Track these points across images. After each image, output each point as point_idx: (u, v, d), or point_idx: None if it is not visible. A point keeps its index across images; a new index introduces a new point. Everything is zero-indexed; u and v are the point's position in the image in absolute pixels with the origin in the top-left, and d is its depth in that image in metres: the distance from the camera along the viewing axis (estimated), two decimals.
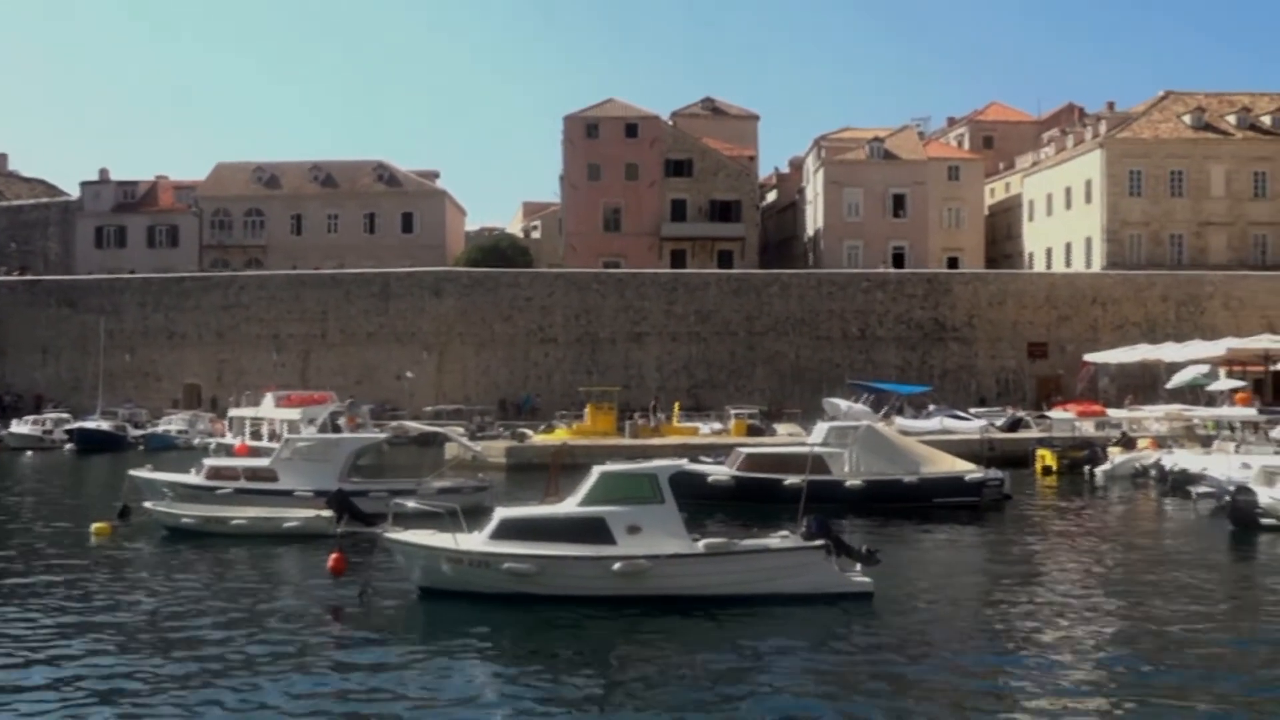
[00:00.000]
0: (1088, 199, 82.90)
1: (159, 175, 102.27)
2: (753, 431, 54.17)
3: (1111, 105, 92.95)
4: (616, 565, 20.40)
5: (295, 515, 29.93)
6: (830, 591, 20.76)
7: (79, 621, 20.01)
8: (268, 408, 49.53)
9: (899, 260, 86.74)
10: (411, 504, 23.88)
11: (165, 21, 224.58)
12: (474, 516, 23.33)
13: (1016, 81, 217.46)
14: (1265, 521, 29.98)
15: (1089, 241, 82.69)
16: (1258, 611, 20.97)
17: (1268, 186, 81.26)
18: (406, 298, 75.75)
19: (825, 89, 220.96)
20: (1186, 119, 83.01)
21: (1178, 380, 55.77)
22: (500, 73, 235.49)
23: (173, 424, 65.56)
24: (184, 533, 29.73)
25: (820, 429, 39.23)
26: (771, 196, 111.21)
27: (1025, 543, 29.50)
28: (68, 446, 61.62)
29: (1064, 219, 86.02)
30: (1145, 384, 65.14)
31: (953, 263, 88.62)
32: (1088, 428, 53.32)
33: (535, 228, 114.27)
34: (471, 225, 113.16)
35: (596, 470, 21.75)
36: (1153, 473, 42.44)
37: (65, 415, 68.06)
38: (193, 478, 34.65)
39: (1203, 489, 35.13)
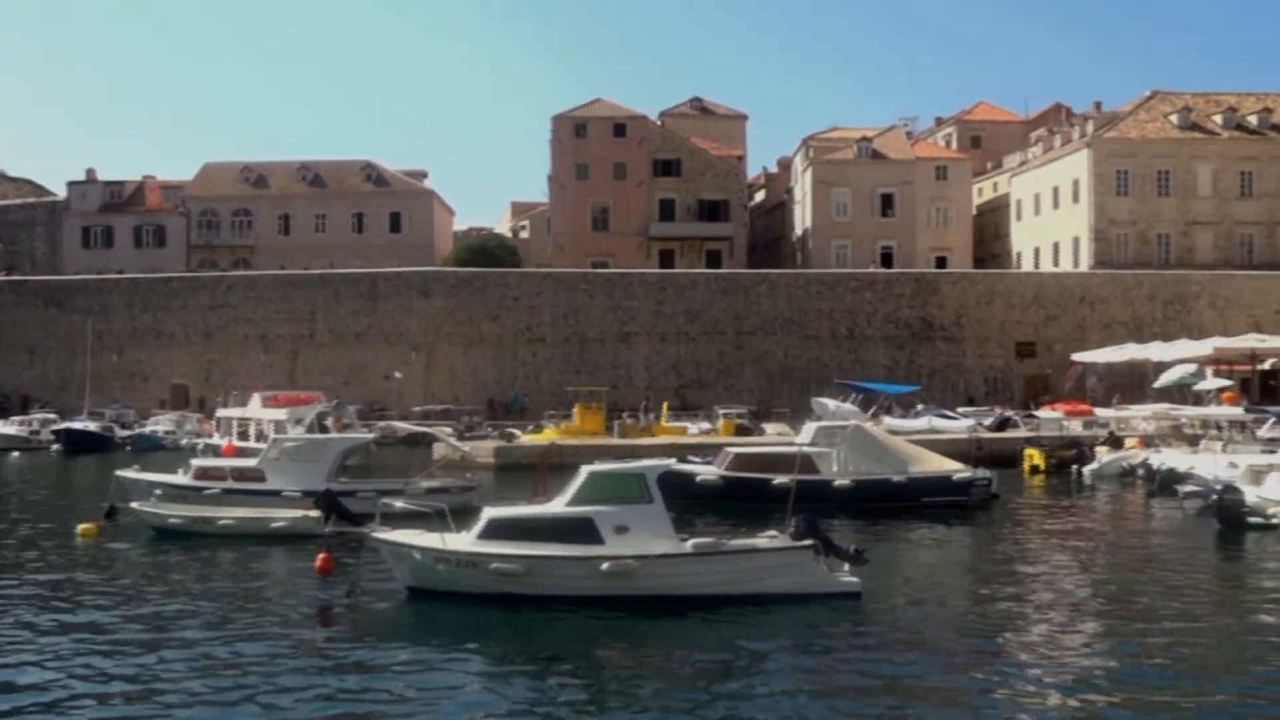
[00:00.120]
0: (1075, 198, 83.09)
1: (146, 175, 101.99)
2: (741, 431, 54.20)
3: (1099, 105, 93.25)
4: (604, 565, 20.38)
5: (283, 515, 29.86)
6: (818, 591, 20.76)
7: (64, 623, 19.93)
8: (255, 408, 49.47)
9: (887, 260, 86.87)
10: (399, 504, 23.85)
11: (153, 21, 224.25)
12: (462, 517, 23.29)
13: (1004, 81, 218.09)
14: (1252, 520, 30.06)
15: (1076, 241, 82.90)
16: (1245, 610, 21.02)
17: (1254, 186, 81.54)
18: (394, 298, 75.67)
19: (813, 89, 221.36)
20: (1173, 119, 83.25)
21: (1165, 379, 55.93)
22: (488, 72, 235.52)
23: (160, 424, 65.40)
24: (171, 533, 29.63)
25: (808, 429, 39.27)
26: (760, 196, 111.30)
27: (1013, 542, 29.54)
28: (55, 447, 61.43)
29: (1051, 219, 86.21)
30: (1133, 383, 65.31)
31: (941, 262, 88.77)
32: (1075, 427, 53.45)
33: (523, 227, 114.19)
34: (460, 225, 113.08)
35: (584, 470, 21.72)
36: (1140, 472, 42.54)
37: (52, 416, 67.87)
38: (180, 478, 34.55)
39: (1190, 488, 35.22)
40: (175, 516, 30.26)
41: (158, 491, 33.43)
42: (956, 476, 36.02)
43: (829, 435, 37.24)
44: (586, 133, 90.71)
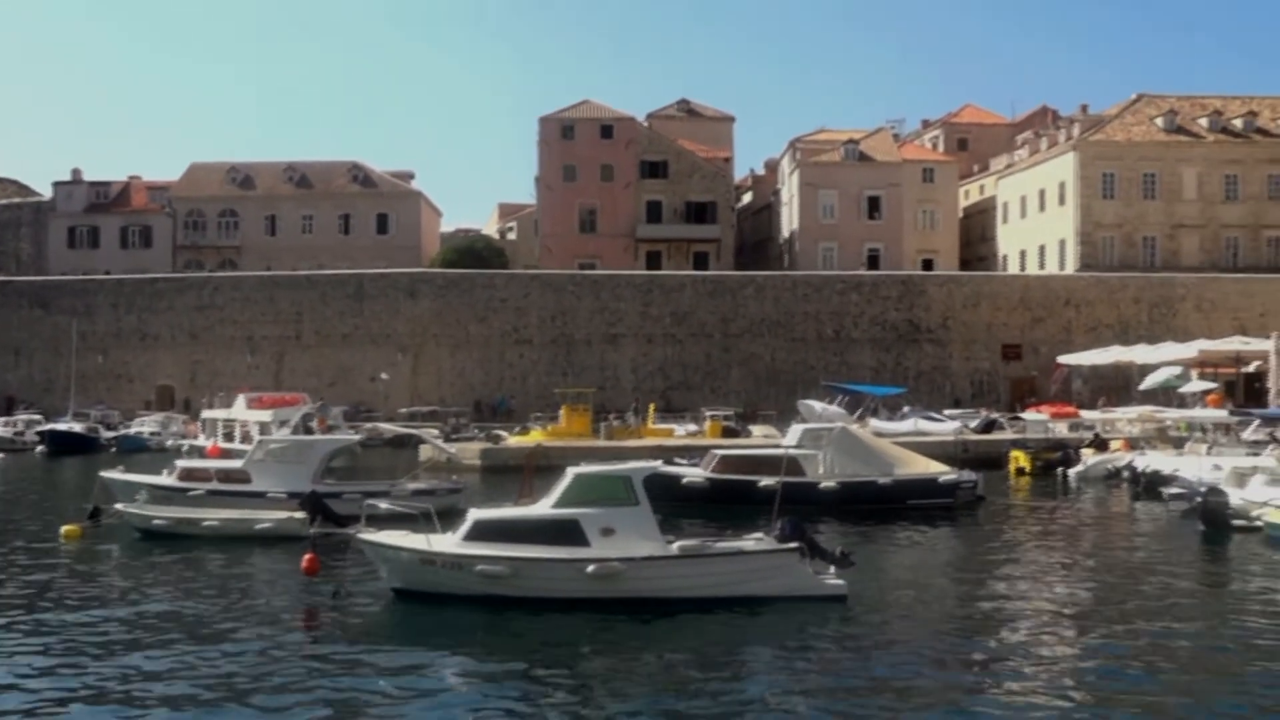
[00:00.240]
0: (1061, 201, 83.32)
1: (132, 175, 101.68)
2: (728, 433, 54.20)
3: (1085, 108, 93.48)
4: (590, 568, 20.35)
5: (268, 517, 29.76)
6: (804, 594, 20.74)
7: (46, 625, 19.84)
8: (239, 409, 49.33)
9: (874, 262, 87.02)
10: (385, 505, 23.80)
11: (139, 21, 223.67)
12: (448, 518, 23.26)
13: (991, 84, 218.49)
14: (1236, 523, 30.16)
15: (1062, 244, 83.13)
16: (1229, 612, 21.07)
17: (1239, 189, 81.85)
18: (381, 299, 75.56)
19: (801, 91, 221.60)
20: (1159, 122, 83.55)
21: (1150, 382, 56.10)
22: (476, 74, 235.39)
23: (145, 426, 65.20)
24: (156, 535, 29.52)
25: (795, 431, 39.28)
26: (747, 198, 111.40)
27: (998, 544, 29.58)
28: (39, 448, 61.20)
29: (1038, 221, 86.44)
30: (1118, 385, 65.50)
31: (927, 264, 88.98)
32: (1061, 429, 53.58)
33: (511, 229, 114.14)
34: (447, 226, 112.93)
35: (571, 472, 21.70)
36: (1125, 474, 42.64)
37: (37, 417, 67.64)
38: (164, 479, 34.43)
39: (1174, 490, 35.34)
40: (159, 518, 30.14)
41: (141, 494, 33.28)
42: (942, 479, 36.05)
43: (815, 437, 37.26)
44: (574, 134, 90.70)
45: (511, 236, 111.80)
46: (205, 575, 24.71)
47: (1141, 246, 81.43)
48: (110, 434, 63.50)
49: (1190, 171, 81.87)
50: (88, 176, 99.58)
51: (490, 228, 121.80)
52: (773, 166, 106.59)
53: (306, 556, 23.41)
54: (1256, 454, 37.61)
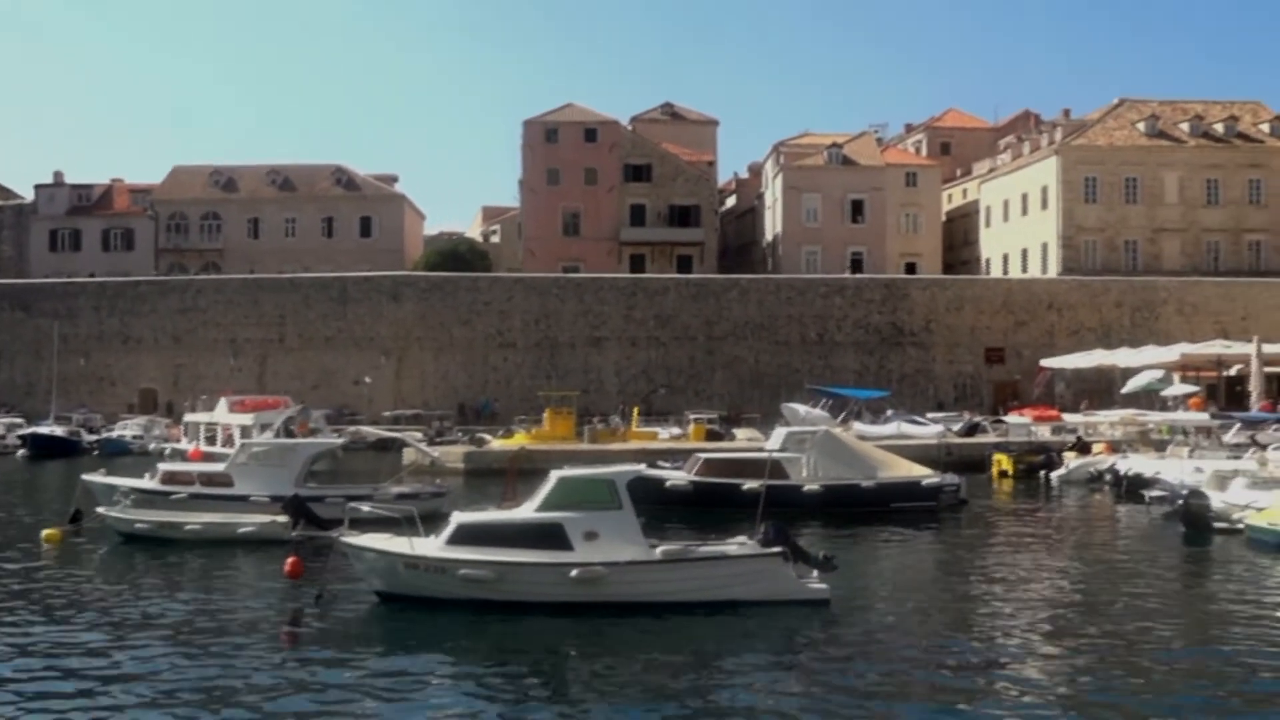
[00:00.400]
0: (1044, 205, 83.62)
1: (114, 178, 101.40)
2: (711, 436, 54.22)
3: (1067, 112, 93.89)
4: (573, 572, 20.34)
5: (250, 521, 29.66)
6: (787, 598, 20.74)
7: (25, 630, 19.72)
8: (221, 413, 49.16)
9: (857, 265, 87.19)
10: (368, 509, 23.75)
11: (121, 23, 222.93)
12: (432, 522, 23.22)
13: (973, 88, 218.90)
14: (1217, 525, 30.31)
15: (1045, 247, 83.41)
16: (1210, 614, 21.15)
17: (1220, 193, 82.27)
18: (365, 302, 75.41)
19: (784, 95, 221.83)
20: (1141, 126, 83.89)
21: (1132, 385, 56.29)
22: (459, 77, 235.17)
23: (128, 429, 64.95)
24: (137, 538, 29.40)
25: (778, 434, 39.32)
26: (731, 202, 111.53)
27: (981, 547, 29.67)
28: (21, 452, 60.89)
29: (1020, 225, 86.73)
30: (1100, 389, 65.71)
31: (910, 268, 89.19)
32: (1044, 432, 53.74)
33: (494, 232, 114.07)
34: (430, 229, 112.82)
35: (554, 475, 21.67)
36: (1107, 477, 42.78)
37: (19, 420, 67.28)
38: (147, 482, 34.30)
39: (1156, 493, 35.48)
40: (141, 522, 30.00)
41: (124, 497, 33.13)
42: (925, 482, 36.14)
43: (799, 441, 37.30)
44: (557, 138, 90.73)
45: (495, 240, 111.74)
46: (187, 579, 24.64)
47: (1123, 250, 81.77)
48: (92, 437, 63.27)
49: (1172, 176, 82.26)
50: (70, 179, 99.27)
51: (474, 231, 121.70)
52: (756, 170, 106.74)
53: (290, 560, 23.35)
54: (1238, 457, 37.81)
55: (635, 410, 63.20)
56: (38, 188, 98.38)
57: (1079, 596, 22.72)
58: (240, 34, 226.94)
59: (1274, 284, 76.17)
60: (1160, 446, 45.39)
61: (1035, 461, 47.35)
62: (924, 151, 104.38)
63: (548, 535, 20.75)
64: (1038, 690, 15.97)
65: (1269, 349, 52.84)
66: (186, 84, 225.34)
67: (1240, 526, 29.63)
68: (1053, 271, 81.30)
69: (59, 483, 44.72)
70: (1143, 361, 57.97)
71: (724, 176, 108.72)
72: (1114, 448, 47.55)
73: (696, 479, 36.11)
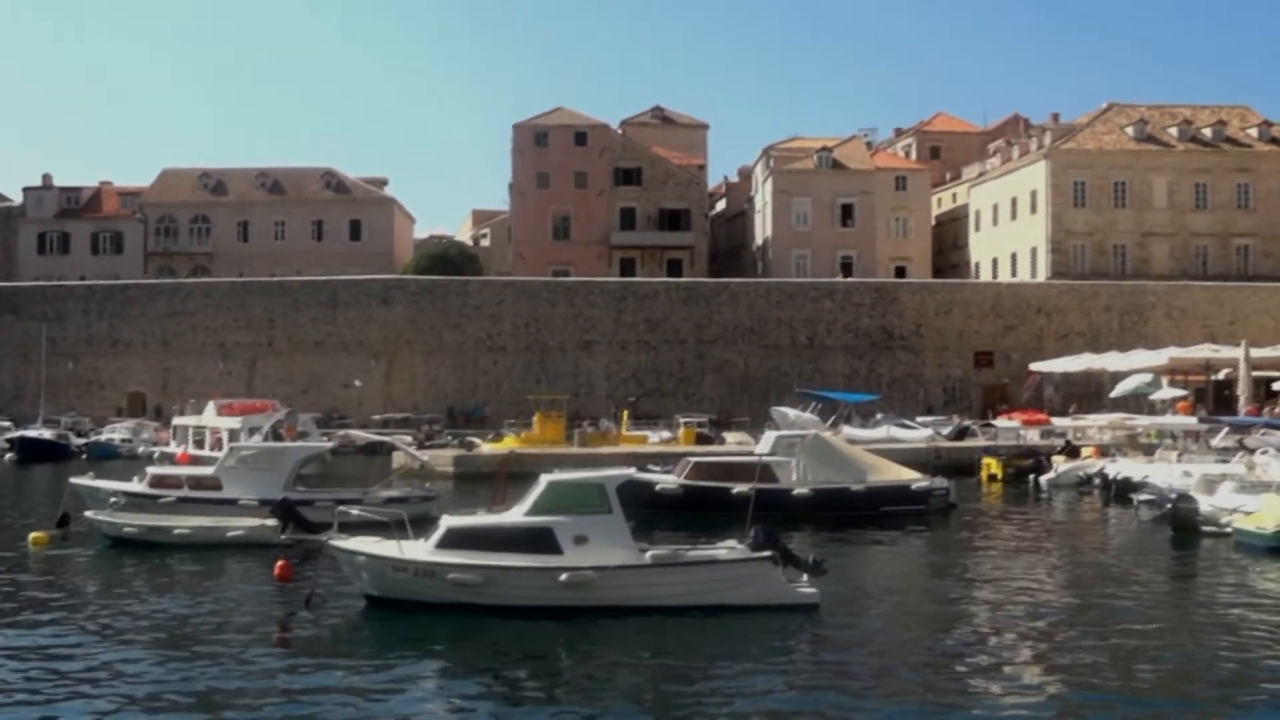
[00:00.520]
0: (1033, 209, 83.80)
1: (103, 181, 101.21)
2: (701, 440, 54.23)
3: (1056, 117, 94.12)
4: (563, 576, 20.32)
5: (239, 524, 29.60)
6: (777, 603, 20.73)
7: (9, 634, 19.64)
8: (210, 416, 49.08)
9: (847, 269, 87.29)
10: (357, 512, 23.72)
11: (109, 26, 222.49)
12: (421, 526, 23.20)
13: (963, 92, 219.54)
14: (1205, 529, 30.40)
15: (1034, 251, 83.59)
16: (1198, 618, 21.21)
17: (1208, 198, 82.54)
18: (354, 305, 75.32)
19: (774, 99, 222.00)
20: (1129, 131, 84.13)
21: (1121, 389, 56.32)
22: (449, 80, 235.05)
23: (117, 432, 64.76)
24: (126, 542, 29.31)
25: (768, 438, 39.29)
26: (721, 205, 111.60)
27: (970, 551, 29.71)
28: (9, 455, 60.62)
29: (1010, 229, 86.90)
30: (1089, 393, 65.84)
31: (900, 272, 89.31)
32: (1033, 436, 53.81)
33: (484, 236, 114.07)
34: (420, 233, 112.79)
35: (544, 479, 21.65)
36: (1096, 481, 42.85)
37: (7, 424, 67.05)
38: (135, 486, 34.21)
39: (1145, 497, 35.53)
40: (130, 526, 29.90)
41: (114, 499, 33.06)
42: (915, 485, 36.23)
43: (788, 444, 37.28)
44: (547, 141, 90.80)
45: (485, 243, 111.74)
46: (176, 583, 24.56)
47: (1112, 254, 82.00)
48: (81, 441, 63.04)
49: (1160, 180, 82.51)
50: (58, 182, 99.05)
51: (464, 234, 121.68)
52: (746, 174, 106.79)
53: (279, 563, 23.36)
54: (1226, 461, 37.90)
55: (625, 414, 63.22)
56: (26, 190, 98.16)
57: (1067, 600, 22.76)
58: (230, 37, 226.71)
59: (1262, 288, 76.43)
60: (1149, 450, 45.46)
61: (1024, 465, 47.41)
62: (913, 155, 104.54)
63: (537, 539, 20.74)
64: (1027, 694, 16.00)
65: (1257, 353, 52.95)
66: (176, 86, 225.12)
67: (1228, 530, 29.73)
68: (1042, 275, 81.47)
69: (47, 486, 44.58)
70: (1131, 365, 58.05)
71: (714, 180, 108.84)
72: (1103, 451, 47.63)
73: (686, 482, 36.11)
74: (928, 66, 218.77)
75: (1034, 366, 67.75)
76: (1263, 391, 55.04)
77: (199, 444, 48.23)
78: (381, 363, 74.48)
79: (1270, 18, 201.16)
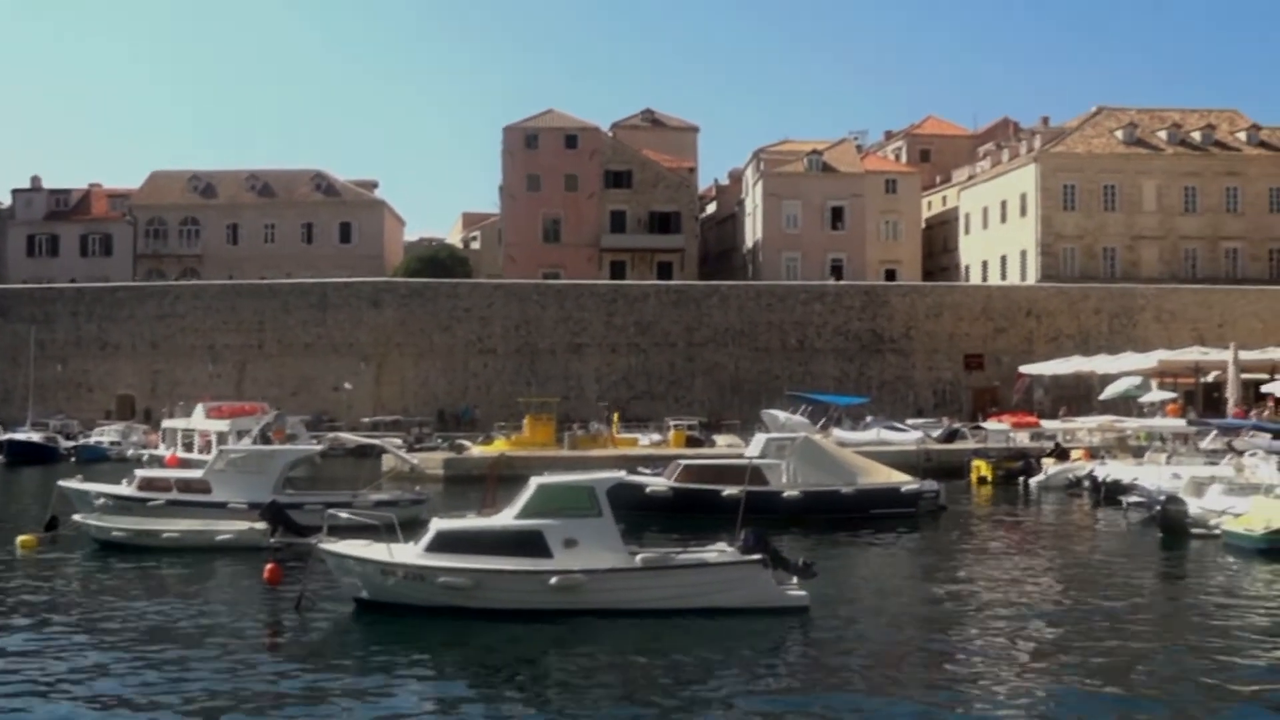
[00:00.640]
0: (1023, 212, 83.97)
1: (93, 183, 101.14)
2: (692, 442, 54.23)
3: (1046, 120, 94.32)
4: (553, 579, 20.30)
5: (228, 528, 29.52)
6: (767, 606, 20.72)
7: None
8: (198, 419, 48.99)
9: (837, 272, 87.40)
10: (347, 516, 23.67)
11: (99, 27, 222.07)
12: (411, 529, 23.16)
13: (953, 96, 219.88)
14: (1194, 531, 30.47)
15: (1024, 254, 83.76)
16: (1187, 619, 21.24)
17: (1197, 201, 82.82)
18: (344, 308, 75.25)
19: (764, 102, 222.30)
20: (1119, 134, 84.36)
21: (1111, 392, 56.51)
22: (439, 82, 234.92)
23: (105, 435, 64.63)
24: (114, 546, 29.22)
25: (758, 440, 39.30)
26: (711, 208, 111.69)
27: (960, 553, 29.74)
28: None
29: (1000, 232, 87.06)
30: (1079, 395, 65.97)
31: (890, 275, 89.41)
32: (1022, 439, 53.87)
33: (474, 238, 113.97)
34: (410, 235, 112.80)
35: (534, 482, 21.63)
36: (1085, 483, 42.89)
37: None
38: (124, 489, 34.12)
39: (1134, 499, 35.56)
40: (118, 529, 29.81)
41: (100, 502, 32.96)
42: (905, 488, 36.27)
43: (779, 447, 37.28)
44: (538, 144, 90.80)
45: (475, 246, 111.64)
46: (165, 586, 24.48)
47: (1102, 257, 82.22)
48: (69, 444, 62.92)
49: (1150, 183, 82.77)
50: (47, 184, 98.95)
51: (454, 237, 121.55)
52: (737, 177, 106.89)
53: (268, 567, 23.30)
54: (1214, 463, 37.95)
55: (616, 416, 63.22)
56: (15, 192, 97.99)
57: (1057, 602, 22.78)
58: (220, 39, 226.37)
59: (1250, 291, 76.69)
60: (1138, 453, 45.55)
61: (1014, 468, 47.49)
62: (904, 158, 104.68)
63: (527, 542, 20.71)
64: (1017, 695, 16.00)
65: (1245, 356, 53.10)
66: (165, 88, 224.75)
67: (1217, 532, 29.80)
68: (1031, 278, 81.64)
69: (35, 489, 44.45)
70: (1121, 368, 58.22)
71: (704, 183, 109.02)
72: (1092, 454, 47.72)
73: (676, 485, 36.10)
74: (918, 70, 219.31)
75: (1024, 369, 67.91)
76: (1252, 394, 55.18)
77: (188, 447, 48.16)
78: (371, 365, 74.40)
79: (1259, 22, 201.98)
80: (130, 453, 58.87)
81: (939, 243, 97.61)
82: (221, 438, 43.01)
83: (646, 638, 19.45)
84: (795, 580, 21.32)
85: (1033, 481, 45.54)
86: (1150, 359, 57.54)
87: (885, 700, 15.95)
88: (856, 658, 18.24)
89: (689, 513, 33.62)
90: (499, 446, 53.12)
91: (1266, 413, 51.76)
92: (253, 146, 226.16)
